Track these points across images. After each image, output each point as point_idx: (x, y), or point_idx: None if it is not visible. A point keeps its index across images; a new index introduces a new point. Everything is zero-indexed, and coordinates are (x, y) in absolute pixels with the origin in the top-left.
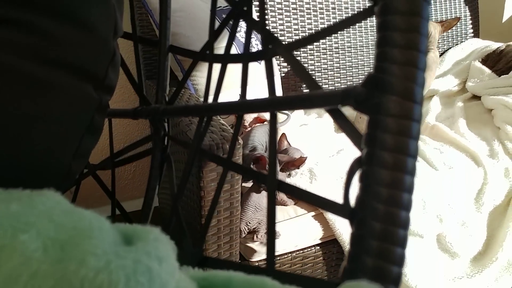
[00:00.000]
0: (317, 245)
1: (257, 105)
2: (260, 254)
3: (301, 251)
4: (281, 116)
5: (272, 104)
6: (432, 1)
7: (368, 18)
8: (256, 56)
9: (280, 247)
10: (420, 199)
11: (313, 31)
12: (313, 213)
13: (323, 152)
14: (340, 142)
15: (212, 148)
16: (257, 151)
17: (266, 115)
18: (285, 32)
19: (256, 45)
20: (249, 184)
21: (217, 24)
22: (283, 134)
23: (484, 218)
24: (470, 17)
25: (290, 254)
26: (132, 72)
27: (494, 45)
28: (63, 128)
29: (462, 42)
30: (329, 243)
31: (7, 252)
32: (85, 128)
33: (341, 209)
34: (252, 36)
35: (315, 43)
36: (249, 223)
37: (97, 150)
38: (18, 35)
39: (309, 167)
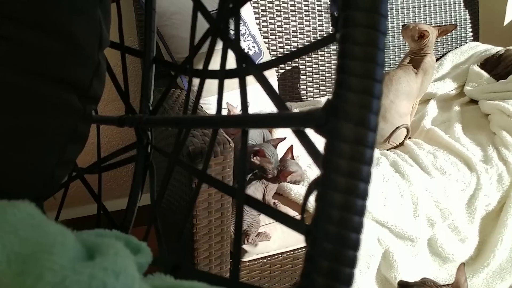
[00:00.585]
0: None
1: (228, 122)
2: (250, 254)
3: (292, 252)
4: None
5: (242, 122)
6: (431, 4)
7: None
8: (231, 74)
9: (272, 248)
10: (411, 204)
11: (311, 33)
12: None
13: None
14: None
15: (194, 151)
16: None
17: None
18: (283, 34)
19: (253, 47)
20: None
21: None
22: (291, 146)
23: (476, 223)
24: (470, 21)
25: (280, 255)
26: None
27: (493, 49)
28: (46, 137)
29: (461, 45)
30: None
31: None
32: (68, 137)
33: (298, 226)
34: (249, 39)
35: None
36: None
37: (87, 153)
38: (2, 48)
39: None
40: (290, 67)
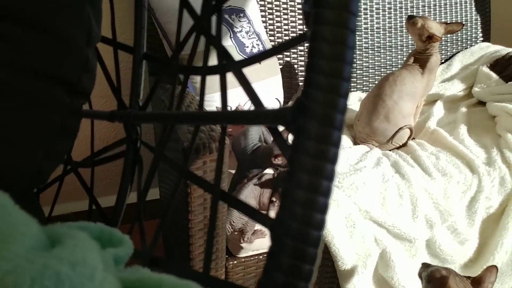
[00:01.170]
0: None
1: (207, 118)
2: (246, 251)
3: None
4: None
5: (219, 118)
6: (442, 3)
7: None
8: (213, 70)
9: (267, 245)
10: (410, 205)
11: None
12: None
13: None
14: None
15: (199, 147)
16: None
17: None
18: (289, 32)
19: (257, 45)
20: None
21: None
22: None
23: (477, 225)
24: (481, 21)
25: None
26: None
27: (504, 51)
28: (32, 131)
29: (471, 46)
30: None
31: None
32: (57, 132)
33: (264, 221)
34: (253, 37)
35: None
36: (234, 222)
37: (82, 147)
38: None
39: None
40: (295, 65)
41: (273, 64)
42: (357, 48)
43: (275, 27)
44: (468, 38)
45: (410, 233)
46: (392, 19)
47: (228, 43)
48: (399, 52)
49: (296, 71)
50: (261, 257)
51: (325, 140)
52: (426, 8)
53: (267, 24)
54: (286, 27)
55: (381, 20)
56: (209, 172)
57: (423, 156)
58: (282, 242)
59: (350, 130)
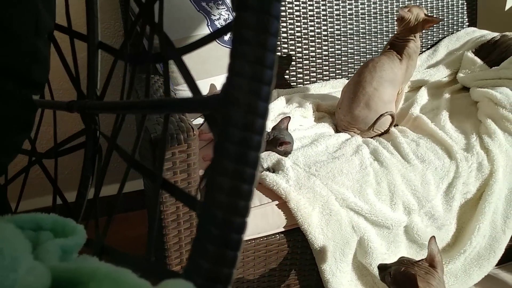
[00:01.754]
0: (281, 233)
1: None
2: None
3: (265, 238)
4: None
5: (147, 107)
6: None
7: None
8: (158, 58)
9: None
10: (388, 191)
11: (301, 18)
12: (276, 202)
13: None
14: (317, 132)
15: (156, 139)
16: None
17: None
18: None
19: None
20: None
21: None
22: (288, 117)
23: (454, 211)
24: (466, 5)
25: (253, 241)
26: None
27: (489, 35)
28: None
29: (457, 31)
30: (294, 231)
31: None
32: (9, 124)
33: (193, 207)
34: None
35: (317, 30)
36: None
37: (47, 138)
38: None
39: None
40: (278, 53)
41: None
42: (341, 34)
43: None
44: (454, 23)
45: (388, 220)
46: (377, 5)
47: (205, 31)
48: (384, 38)
49: (279, 58)
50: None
51: (249, 128)
52: None
53: None
54: (299, 33)
55: (366, 5)
56: (179, 163)
57: (403, 143)
58: (207, 229)
59: (332, 118)
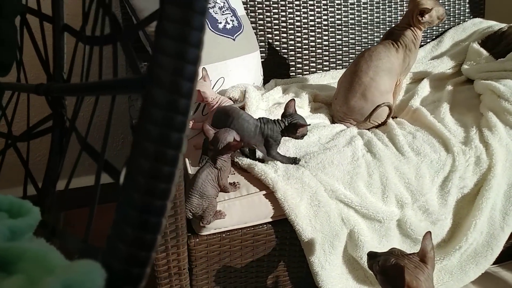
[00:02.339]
0: (269, 223)
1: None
2: (208, 229)
3: (252, 228)
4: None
5: (74, 90)
6: None
7: None
8: (109, 40)
9: (230, 223)
10: (380, 184)
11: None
12: (264, 192)
13: None
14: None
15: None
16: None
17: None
18: (271, 8)
19: (231, 21)
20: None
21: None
22: (293, 100)
23: (450, 206)
24: None
25: (240, 231)
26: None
27: (497, 26)
28: None
29: (464, 21)
30: (282, 222)
31: None
32: None
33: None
34: (228, 12)
35: (317, 20)
36: (192, 210)
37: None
38: None
39: None
40: (277, 42)
41: (251, 41)
42: (342, 24)
43: (255, 2)
44: (461, 13)
45: (379, 213)
46: None
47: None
48: (386, 28)
49: (278, 48)
50: (224, 235)
51: (171, 108)
52: None
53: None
54: (267, 2)
55: None
56: None
57: (399, 135)
58: (125, 211)
59: (330, 108)
